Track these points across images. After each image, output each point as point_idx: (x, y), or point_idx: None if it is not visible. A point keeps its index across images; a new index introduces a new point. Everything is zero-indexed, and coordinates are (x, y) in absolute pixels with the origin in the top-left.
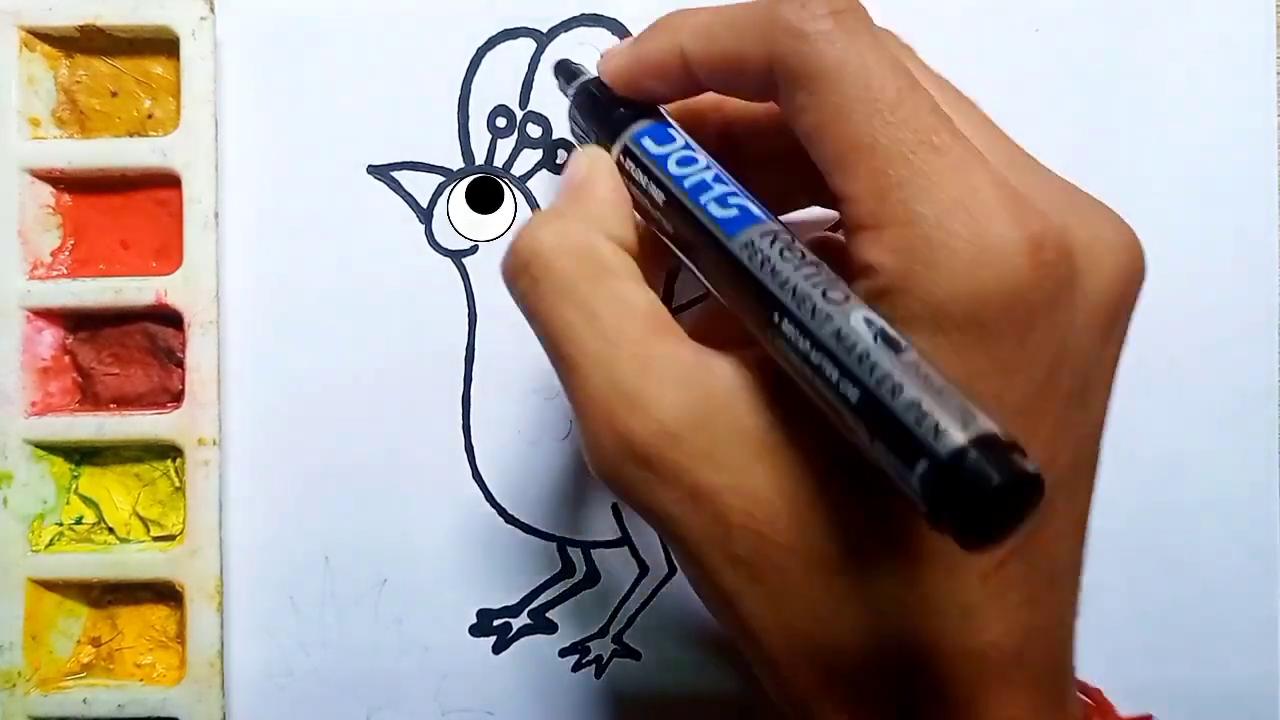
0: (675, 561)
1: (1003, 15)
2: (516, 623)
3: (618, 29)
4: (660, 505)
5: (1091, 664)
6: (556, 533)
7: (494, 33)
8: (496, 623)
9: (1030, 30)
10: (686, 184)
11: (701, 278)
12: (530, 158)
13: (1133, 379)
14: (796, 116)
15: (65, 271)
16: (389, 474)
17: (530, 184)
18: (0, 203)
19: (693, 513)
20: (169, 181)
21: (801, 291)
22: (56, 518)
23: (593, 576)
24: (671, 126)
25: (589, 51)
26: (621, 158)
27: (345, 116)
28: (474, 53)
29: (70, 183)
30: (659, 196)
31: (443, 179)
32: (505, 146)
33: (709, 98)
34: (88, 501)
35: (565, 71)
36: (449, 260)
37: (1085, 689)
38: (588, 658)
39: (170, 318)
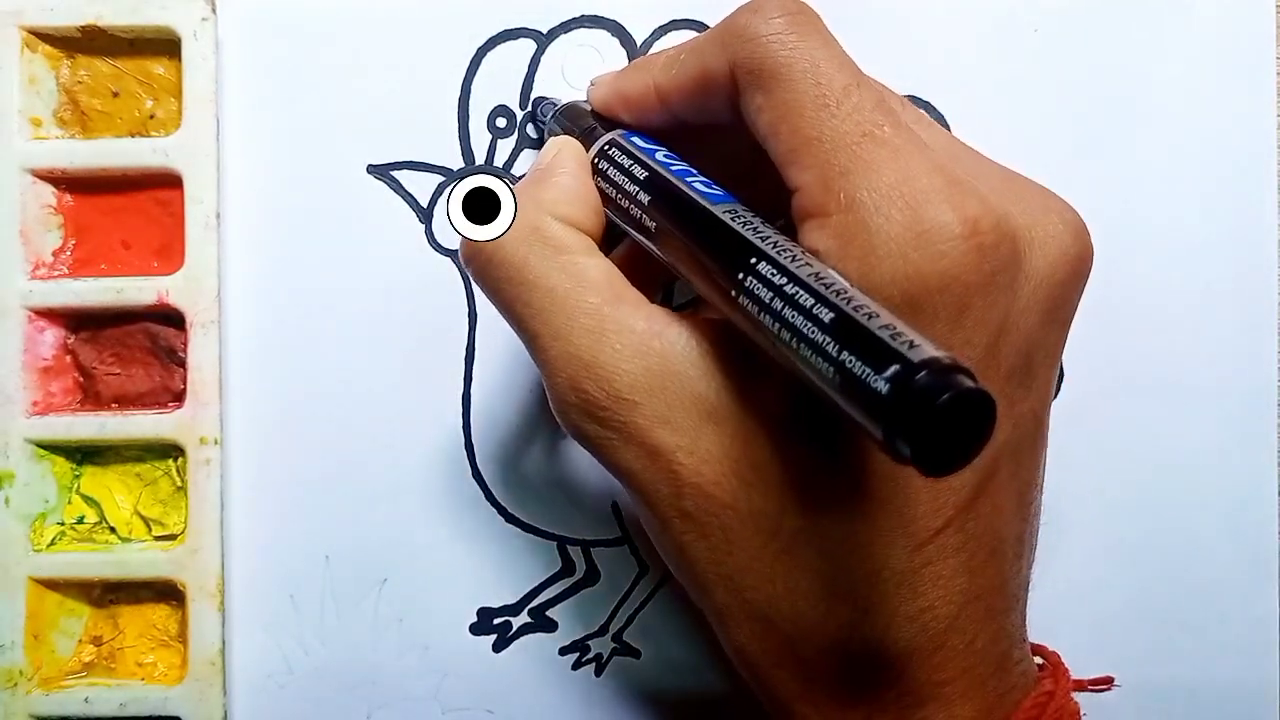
0: (636, 513)
1: (1002, 15)
2: (516, 621)
3: (617, 30)
4: (623, 461)
5: (1092, 664)
6: (556, 531)
7: (494, 33)
8: (497, 621)
9: (1030, 30)
10: (673, 170)
11: (665, 257)
12: (530, 158)
13: (1133, 379)
14: (755, 119)
15: (67, 271)
16: (389, 473)
17: None
18: (2, 203)
19: (650, 469)
20: (170, 182)
21: (782, 242)
22: (58, 517)
23: (593, 575)
24: (650, 139)
25: (589, 52)
26: (596, 159)
27: (345, 116)
28: (474, 53)
29: (72, 183)
30: (641, 174)
31: (443, 179)
32: (505, 147)
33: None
34: (89, 501)
35: (541, 100)
36: (449, 260)
37: (1042, 651)
38: (588, 656)
39: (171, 317)
